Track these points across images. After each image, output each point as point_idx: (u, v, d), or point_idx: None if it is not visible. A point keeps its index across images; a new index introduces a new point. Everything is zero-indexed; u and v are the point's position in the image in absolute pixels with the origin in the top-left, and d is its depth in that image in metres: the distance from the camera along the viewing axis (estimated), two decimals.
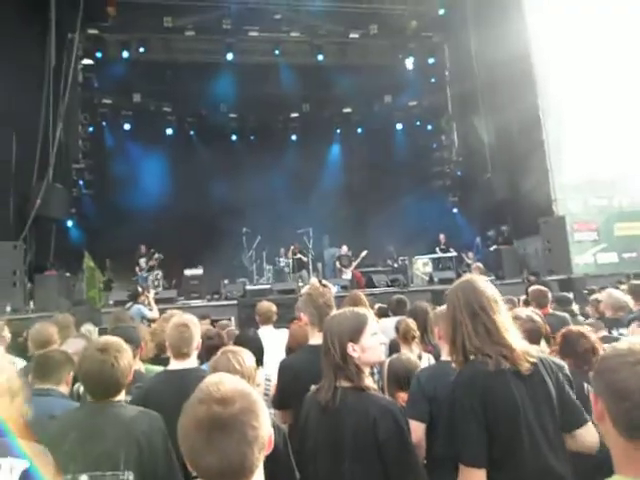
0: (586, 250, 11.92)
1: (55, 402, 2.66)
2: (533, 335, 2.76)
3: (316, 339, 2.84)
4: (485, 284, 2.23)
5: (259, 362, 3.39)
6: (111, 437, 2.13)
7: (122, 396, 2.36)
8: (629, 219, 12.08)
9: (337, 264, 13.56)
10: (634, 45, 12.06)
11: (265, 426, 1.19)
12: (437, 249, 14.03)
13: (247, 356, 2.44)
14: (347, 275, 13.07)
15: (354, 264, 13.27)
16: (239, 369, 2.29)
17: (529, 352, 2.10)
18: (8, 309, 9.29)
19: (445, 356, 2.77)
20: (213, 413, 1.14)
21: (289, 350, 3.80)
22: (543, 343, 3.25)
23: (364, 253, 13.47)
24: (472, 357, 2.12)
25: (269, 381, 3.38)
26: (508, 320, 2.18)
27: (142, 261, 12.66)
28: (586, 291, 5.68)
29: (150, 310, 7.49)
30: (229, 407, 1.15)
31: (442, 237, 14.02)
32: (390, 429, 2.12)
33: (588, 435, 2.10)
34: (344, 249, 13.63)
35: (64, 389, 2.84)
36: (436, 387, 2.66)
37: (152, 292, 8.08)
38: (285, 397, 2.89)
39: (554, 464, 2.01)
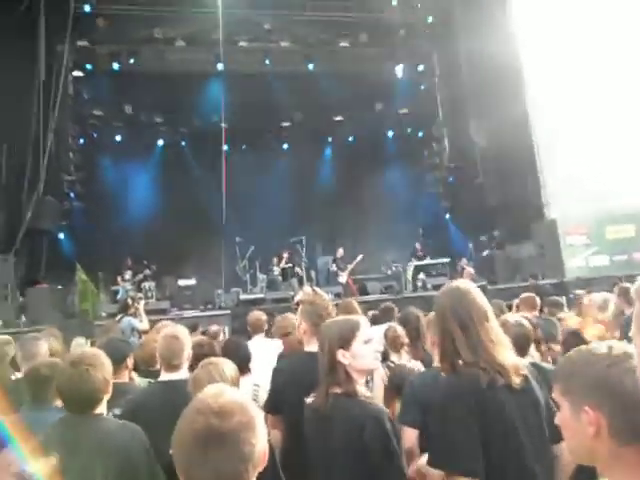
0: (578, 253, 11.99)
1: (51, 416, 2.62)
2: (521, 340, 2.74)
3: (312, 346, 2.83)
4: (475, 292, 2.19)
5: (246, 369, 3.38)
6: (88, 451, 2.09)
7: (102, 409, 2.32)
8: (620, 222, 12.17)
9: (333, 266, 13.54)
10: (622, 48, 12.18)
11: (262, 442, 1.17)
12: (413, 258, 14.01)
13: (228, 367, 2.42)
14: (342, 278, 13.04)
15: (350, 267, 13.23)
16: (220, 381, 2.27)
17: (519, 365, 2.07)
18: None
19: (437, 362, 2.76)
20: (210, 425, 1.11)
21: (282, 357, 3.79)
22: (532, 348, 3.25)
23: (360, 257, 13.46)
24: (461, 364, 2.09)
25: (257, 386, 3.36)
26: (498, 331, 2.14)
27: (127, 273, 12.48)
28: (572, 295, 5.69)
29: (140, 322, 7.43)
30: (227, 421, 1.12)
31: (418, 245, 13.93)
32: (376, 435, 2.11)
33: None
34: (340, 252, 13.60)
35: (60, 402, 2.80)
36: (429, 393, 2.65)
37: (142, 302, 8.00)
38: (276, 401, 2.88)
39: (540, 476, 1.99)
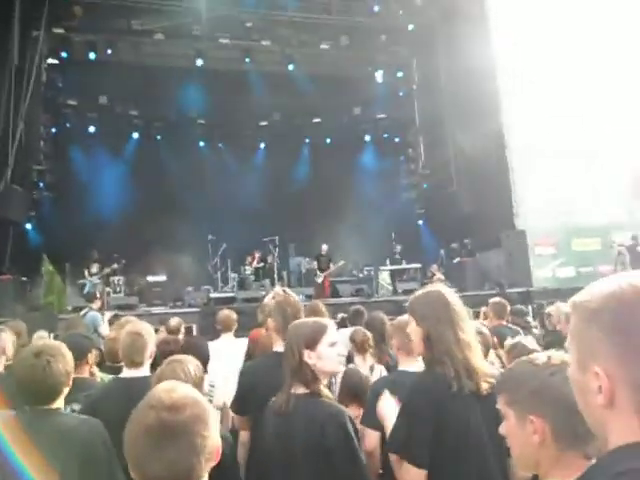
0: (546, 264, 12.25)
1: None
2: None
3: (280, 346, 2.83)
4: (454, 297, 2.23)
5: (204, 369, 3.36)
6: (46, 446, 2.05)
7: (60, 402, 2.27)
8: (586, 235, 12.49)
9: (314, 263, 13.48)
10: (597, 66, 12.52)
11: (214, 436, 1.17)
12: (387, 260, 14.11)
13: (193, 365, 2.40)
14: (319, 278, 13.00)
15: (331, 269, 13.19)
16: (184, 379, 2.25)
17: (489, 373, 2.11)
18: None
19: (402, 366, 2.78)
20: (162, 419, 1.11)
21: (249, 357, 3.76)
22: (492, 355, 3.31)
23: (342, 262, 13.46)
24: (435, 364, 2.12)
25: (212, 387, 3.35)
26: (474, 337, 2.19)
27: (94, 267, 12.18)
28: (535, 305, 5.81)
29: (102, 323, 7.26)
30: (179, 414, 1.12)
31: (325, 247, 13.66)
32: (337, 435, 2.13)
33: None
34: (324, 248, 13.49)
35: None
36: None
37: (108, 314, 7.79)
38: (244, 402, 2.87)
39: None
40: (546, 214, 12.39)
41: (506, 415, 1.36)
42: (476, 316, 5.20)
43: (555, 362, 1.32)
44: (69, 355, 2.31)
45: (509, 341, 3.10)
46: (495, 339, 3.63)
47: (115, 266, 12.47)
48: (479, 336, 2.83)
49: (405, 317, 2.91)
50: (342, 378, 3.18)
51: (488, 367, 2.17)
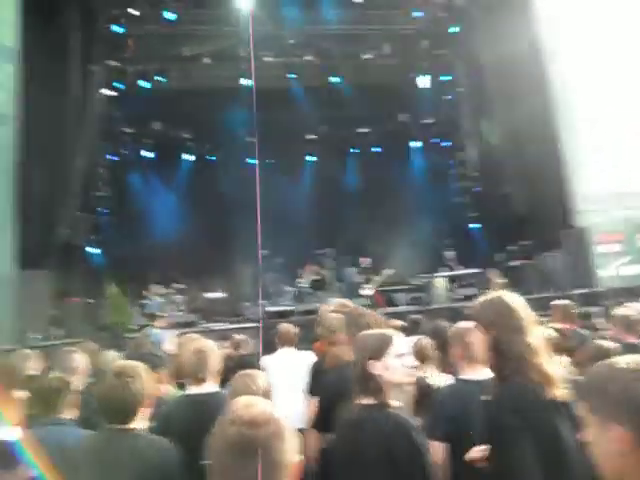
0: (610, 263, 11.71)
1: (65, 431, 2.63)
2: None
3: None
4: (519, 302, 2.18)
5: None
6: (124, 468, 2.13)
7: (138, 422, 2.36)
8: None
9: (358, 277, 13.44)
10: None
11: (292, 452, 1.20)
12: (442, 267, 13.84)
13: (262, 379, 2.46)
14: (366, 291, 12.93)
15: (378, 280, 13.05)
16: (256, 391, 2.31)
17: (561, 378, 2.06)
18: (38, 337, 9.43)
19: (464, 375, 2.74)
20: (242, 435, 1.15)
21: (318, 370, 3.74)
22: (565, 358, 3.19)
23: (390, 272, 13.28)
24: (508, 375, 2.07)
25: None
26: (542, 343, 2.13)
27: (156, 287, 12.62)
28: (604, 306, 5.54)
29: (167, 341, 7.48)
30: (258, 430, 1.16)
31: (367, 260, 13.54)
32: (405, 447, 2.12)
33: None
34: (366, 261, 13.42)
35: (69, 415, 2.78)
36: (456, 406, 2.64)
37: (171, 333, 8.01)
38: (325, 419, 2.88)
39: None
40: (608, 210, 11.85)
41: (588, 422, 1.31)
42: (540, 321, 5.03)
43: (638, 367, 1.24)
44: (146, 375, 2.41)
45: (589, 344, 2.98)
46: (572, 343, 3.50)
47: (178, 285, 12.86)
48: (551, 340, 2.77)
49: (464, 324, 2.88)
50: (415, 389, 3.16)
51: (561, 373, 2.10)
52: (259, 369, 3.61)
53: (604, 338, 4.22)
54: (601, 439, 1.26)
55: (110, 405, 2.28)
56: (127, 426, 2.30)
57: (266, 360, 4.57)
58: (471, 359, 2.75)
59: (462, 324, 2.94)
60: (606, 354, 3.06)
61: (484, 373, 2.60)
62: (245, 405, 1.24)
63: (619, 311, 4.29)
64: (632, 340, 3.86)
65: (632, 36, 11.92)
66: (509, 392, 2.05)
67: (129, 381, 2.29)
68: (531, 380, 2.00)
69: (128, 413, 2.29)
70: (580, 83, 11.96)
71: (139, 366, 2.43)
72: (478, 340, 2.25)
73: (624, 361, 1.30)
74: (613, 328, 4.21)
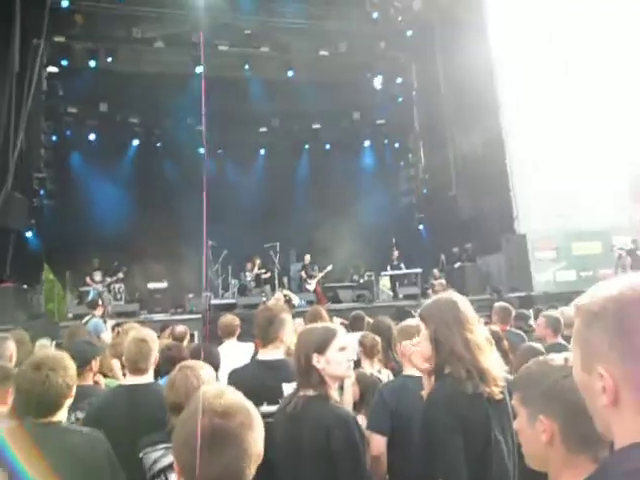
0: (546, 268, 12.25)
1: None
2: None
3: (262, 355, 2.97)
4: (466, 303, 2.25)
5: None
6: (51, 463, 2.00)
7: (63, 414, 2.25)
8: (586, 239, 12.49)
9: (303, 274, 13.57)
10: (598, 69, 12.56)
11: (261, 441, 1.22)
12: (389, 266, 14.15)
13: (205, 371, 2.40)
14: (310, 286, 13.08)
15: (319, 276, 13.29)
16: (197, 384, 2.25)
17: (500, 377, 2.12)
18: None
19: (407, 371, 2.78)
20: (215, 425, 1.14)
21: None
22: (500, 359, 3.29)
23: (329, 268, 13.54)
24: (447, 372, 2.11)
25: None
26: (485, 341, 2.19)
27: (97, 274, 12.20)
28: (535, 309, 5.80)
29: (105, 330, 7.26)
30: (231, 420, 1.16)
31: (307, 257, 13.98)
32: (343, 439, 2.14)
33: None
34: (307, 258, 13.68)
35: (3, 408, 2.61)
36: (399, 401, 2.67)
37: (110, 322, 7.79)
38: None
39: None
40: (546, 218, 12.40)
41: (519, 412, 1.39)
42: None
43: (571, 365, 1.32)
44: (71, 366, 2.28)
45: (523, 345, 3.09)
46: (505, 344, 3.62)
47: (120, 275, 12.47)
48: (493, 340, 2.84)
49: (409, 322, 2.93)
50: (356, 383, 3.19)
51: (499, 370, 2.16)
52: (219, 360, 3.57)
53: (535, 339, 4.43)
54: (529, 429, 1.33)
55: (30, 398, 2.15)
56: (52, 419, 2.19)
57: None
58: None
59: (408, 321, 3.00)
60: (534, 354, 3.24)
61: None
62: (215, 395, 1.22)
63: (543, 314, 4.63)
64: (554, 340, 4.17)
65: (576, 55, 12.49)
66: (443, 388, 2.10)
67: (50, 374, 2.15)
68: (467, 376, 2.04)
69: (51, 406, 2.18)
70: (530, 100, 12.45)
71: (63, 357, 2.30)
72: (423, 336, 2.28)
73: (558, 359, 1.39)
74: (538, 329, 4.50)
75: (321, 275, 13.38)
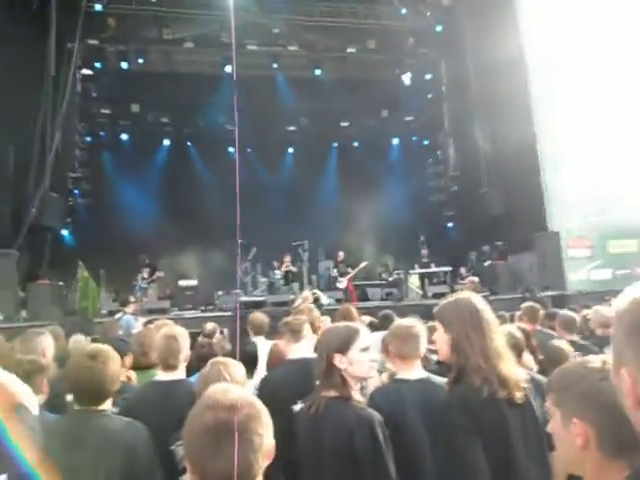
0: (580, 266, 11.96)
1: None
2: (513, 351, 2.72)
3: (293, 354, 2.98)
4: (483, 304, 2.19)
5: (250, 374, 3.38)
6: (92, 448, 2.10)
7: (108, 404, 2.34)
8: (622, 236, 12.15)
9: (334, 271, 13.46)
10: (635, 57, 12.16)
11: (269, 435, 1.22)
12: (416, 264, 13.93)
13: (236, 368, 2.43)
14: (342, 284, 12.97)
15: (352, 273, 13.12)
16: (229, 380, 2.28)
17: (521, 380, 2.07)
18: (0, 317, 9.25)
19: (401, 374, 2.71)
20: (221, 419, 1.16)
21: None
22: (529, 357, 3.24)
23: (364, 264, 13.34)
24: (466, 374, 2.08)
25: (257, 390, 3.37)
26: (503, 345, 2.15)
27: (145, 271, 12.47)
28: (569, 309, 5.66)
29: (137, 327, 7.40)
30: (237, 413, 1.17)
31: (341, 254, 13.53)
32: (366, 440, 2.12)
33: None
34: (340, 255, 13.49)
35: (40, 398, 2.71)
36: (391, 406, 2.59)
37: (142, 319, 7.94)
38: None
39: None
40: (580, 215, 12.10)
41: (553, 414, 1.35)
42: (510, 320, 5.11)
43: (609, 367, 1.29)
44: (118, 358, 2.41)
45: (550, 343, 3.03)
46: (534, 343, 3.56)
47: (161, 274, 12.70)
48: (510, 338, 2.78)
49: (403, 322, 2.85)
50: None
51: (520, 374, 2.11)
52: (256, 358, 3.61)
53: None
54: (563, 432, 1.30)
55: (87, 387, 2.25)
56: (98, 407, 2.27)
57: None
58: (404, 357, 2.70)
59: (401, 322, 2.88)
60: (560, 354, 3.20)
61: (421, 371, 2.65)
62: (222, 390, 1.24)
63: (560, 313, 4.58)
64: (571, 338, 4.15)
65: (614, 51, 12.11)
66: (460, 392, 2.06)
67: (104, 363, 2.28)
68: (487, 381, 2.01)
69: (101, 395, 2.28)
70: (562, 93, 12.14)
71: (111, 349, 2.42)
72: (442, 339, 2.23)
73: (598, 360, 1.35)
74: (557, 328, 4.50)
75: (356, 271, 13.20)
